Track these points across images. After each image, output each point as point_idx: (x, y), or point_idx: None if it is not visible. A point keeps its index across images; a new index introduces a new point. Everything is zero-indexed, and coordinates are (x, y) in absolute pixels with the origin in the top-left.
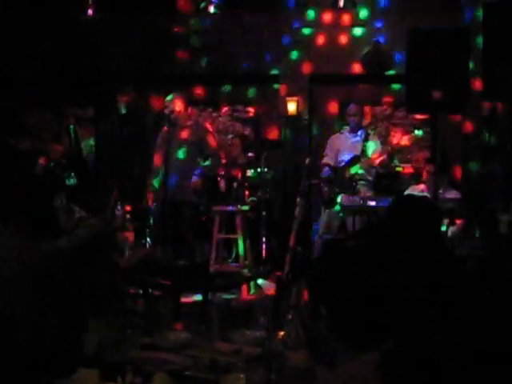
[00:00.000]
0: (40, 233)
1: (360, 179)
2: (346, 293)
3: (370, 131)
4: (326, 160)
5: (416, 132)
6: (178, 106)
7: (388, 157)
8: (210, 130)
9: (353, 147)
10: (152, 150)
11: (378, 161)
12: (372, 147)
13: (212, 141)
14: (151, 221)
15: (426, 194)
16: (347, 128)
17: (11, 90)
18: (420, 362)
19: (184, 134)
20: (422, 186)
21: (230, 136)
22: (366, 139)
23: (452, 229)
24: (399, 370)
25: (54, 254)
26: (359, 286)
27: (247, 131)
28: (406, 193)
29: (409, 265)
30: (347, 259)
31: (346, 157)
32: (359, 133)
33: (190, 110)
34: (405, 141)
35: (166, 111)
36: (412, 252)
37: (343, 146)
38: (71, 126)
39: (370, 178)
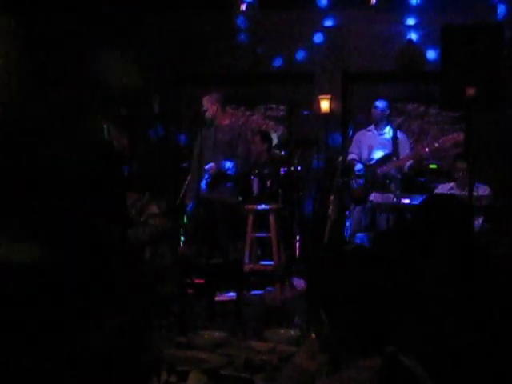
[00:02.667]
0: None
1: (391, 177)
2: (346, 297)
3: (397, 128)
4: (351, 157)
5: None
6: (213, 105)
7: (417, 162)
8: (244, 131)
9: (383, 144)
10: (187, 148)
11: (407, 165)
12: (403, 148)
13: (242, 143)
14: (185, 220)
15: (455, 191)
16: (373, 125)
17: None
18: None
19: (218, 134)
20: (451, 184)
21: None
22: (395, 136)
23: (486, 226)
24: (400, 375)
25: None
26: (360, 290)
27: (280, 130)
28: (436, 191)
29: (422, 265)
30: (346, 262)
31: (377, 154)
32: (386, 129)
33: (227, 109)
34: (439, 143)
35: (202, 111)
36: (442, 251)
37: (373, 143)
38: (104, 126)
39: (399, 176)
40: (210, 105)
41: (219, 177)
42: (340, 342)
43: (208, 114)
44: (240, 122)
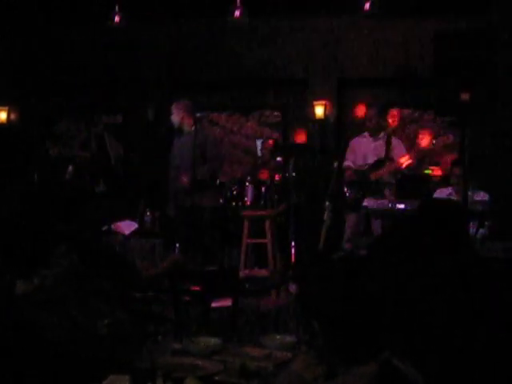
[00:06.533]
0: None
1: (385, 182)
2: (338, 308)
3: (391, 134)
4: (346, 163)
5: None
6: (179, 112)
7: (415, 161)
8: (213, 135)
9: (377, 150)
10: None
11: (404, 165)
12: (398, 152)
13: (212, 146)
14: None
15: (453, 196)
16: (367, 132)
17: (40, 98)
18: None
19: (189, 141)
20: (449, 189)
21: (258, 141)
22: (388, 142)
23: (482, 231)
24: (396, 381)
25: None
26: (351, 300)
27: (275, 136)
28: (434, 196)
29: (418, 270)
30: (335, 273)
31: (371, 160)
32: (381, 135)
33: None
34: (433, 145)
35: (172, 120)
36: (438, 255)
37: (367, 149)
38: (99, 133)
39: (393, 181)
40: (176, 112)
41: (195, 184)
42: (334, 351)
43: (174, 121)
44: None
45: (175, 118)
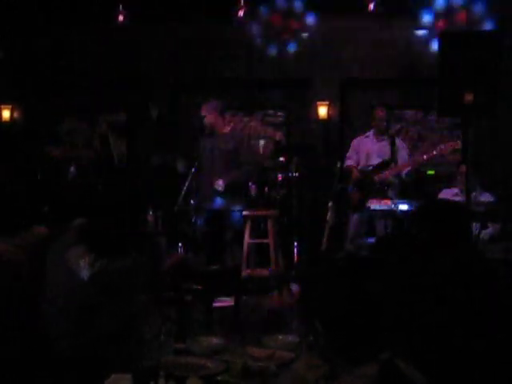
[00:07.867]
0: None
1: (389, 183)
2: (341, 308)
3: (396, 136)
4: (348, 163)
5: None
6: (211, 113)
7: (414, 168)
8: (246, 137)
9: (381, 151)
10: (185, 155)
11: (404, 171)
12: (401, 154)
13: (246, 150)
14: (185, 226)
15: (460, 197)
16: (371, 131)
17: (44, 97)
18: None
19: (221, 143)
20: (455, 190)
21: (261, 141)
22: (393, 143)
23: (485, 232)
24: (397, 381)
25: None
26: (354, 300)
27: (278, 135)
28: (439, 196)
29: (420, 270)
30: (338, 273)
31: (374, 161)
32: (385, 137)
33: (227, 117)
34: (437, 151)
35: (202, 119)
36: (439, 255)
37: (371, 149)
38: (103, 133)
39: (397, 182)
40: (208, 113)
41: (230, 188)
42: (336, 351)
43: (206, 123)
44: (240, 129)
45: (208, 119)
